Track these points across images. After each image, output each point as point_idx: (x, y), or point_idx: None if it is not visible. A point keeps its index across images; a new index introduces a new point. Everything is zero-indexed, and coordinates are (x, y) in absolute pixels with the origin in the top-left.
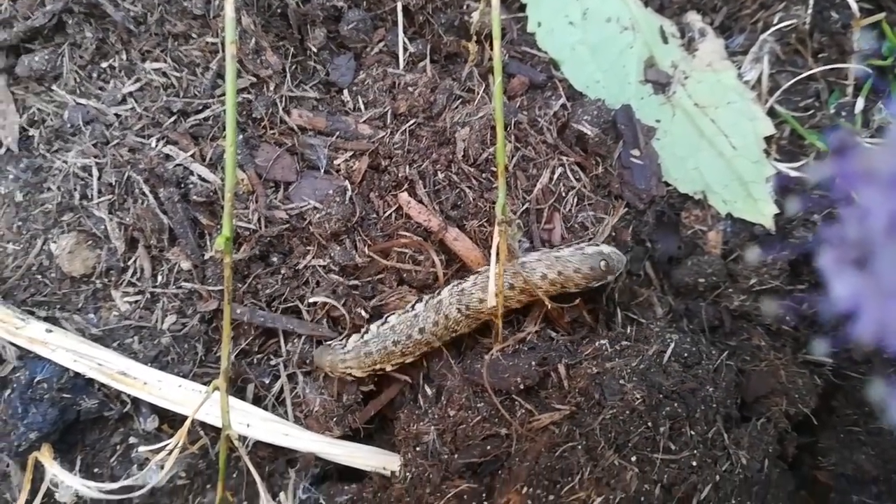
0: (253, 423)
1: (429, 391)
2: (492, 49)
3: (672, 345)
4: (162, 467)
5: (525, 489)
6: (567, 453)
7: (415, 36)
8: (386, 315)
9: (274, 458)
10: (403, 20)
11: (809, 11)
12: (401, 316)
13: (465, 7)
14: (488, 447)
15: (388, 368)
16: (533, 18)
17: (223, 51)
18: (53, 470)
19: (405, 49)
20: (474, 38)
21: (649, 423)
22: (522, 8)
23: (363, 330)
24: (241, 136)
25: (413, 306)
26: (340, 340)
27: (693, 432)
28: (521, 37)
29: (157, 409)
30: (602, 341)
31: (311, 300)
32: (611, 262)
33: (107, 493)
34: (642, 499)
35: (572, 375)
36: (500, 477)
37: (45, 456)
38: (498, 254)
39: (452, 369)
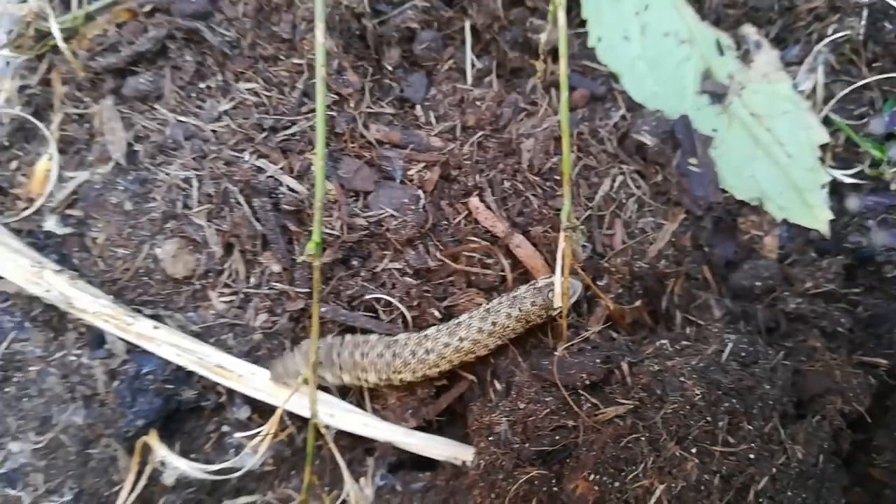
0: (336, 413)
1: (498, 385)
2: (554, 64)
3: (730, 345)
4: (255, 452)
5: (592, 476)
6: (631, 444)
7: (482, 53)
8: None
9: (353, 447)
10: (471, 39)
11: (863, 22)
12: (363, 346)
13: (528, 24)
14: (557, 437)
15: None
16: (593, 34)
17: (309, 71)
18: (162, 452)
19: (473, 66)
20: (542, 56)
21: (709, 418)
22: (583, 24)
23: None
24: (325, 150)
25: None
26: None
27: (750, 427)
28: (581, 51)
29: (249, 400)
30: (663, 341)
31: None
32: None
33: (210, 473)
34: (702, 488)
35: (635, 373)
36: (568, 464)
37: (154, 440)
38: (563, 258)
39: (520, 366)
